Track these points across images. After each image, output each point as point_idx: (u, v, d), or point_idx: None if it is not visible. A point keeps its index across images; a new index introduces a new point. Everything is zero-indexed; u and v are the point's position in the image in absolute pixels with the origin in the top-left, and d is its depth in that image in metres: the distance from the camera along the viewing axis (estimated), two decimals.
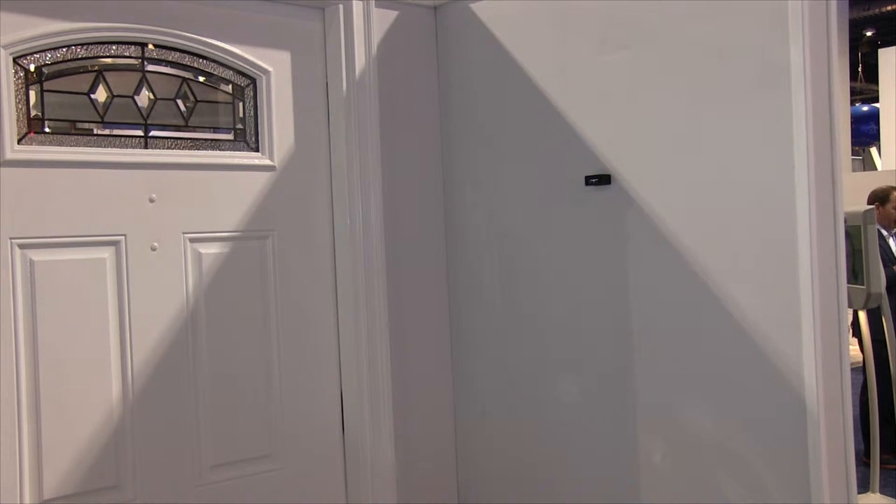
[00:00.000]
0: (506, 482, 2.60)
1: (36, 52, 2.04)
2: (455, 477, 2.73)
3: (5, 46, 1.98)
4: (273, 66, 2.42)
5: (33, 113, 2.04)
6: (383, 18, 2.54)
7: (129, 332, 2.16)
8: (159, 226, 2.22)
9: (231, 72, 2.37)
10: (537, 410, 2.49)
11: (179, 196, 2.25)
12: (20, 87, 2.02)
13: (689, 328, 2.10)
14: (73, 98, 2.10)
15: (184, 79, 2.29)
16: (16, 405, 2.00)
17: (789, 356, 1.91)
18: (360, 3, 2.44)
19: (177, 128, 2.27)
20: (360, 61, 2.43)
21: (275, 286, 2.42)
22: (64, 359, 2.07)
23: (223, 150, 2.36)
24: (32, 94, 2.04)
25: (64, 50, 2.07)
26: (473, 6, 2.56)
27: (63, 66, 2.08)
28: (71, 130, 2.11)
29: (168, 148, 2.25)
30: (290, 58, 2.45)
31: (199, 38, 2.28)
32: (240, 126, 2.40)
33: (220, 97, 2.37)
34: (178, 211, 2.25)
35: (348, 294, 2.48)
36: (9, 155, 1.99)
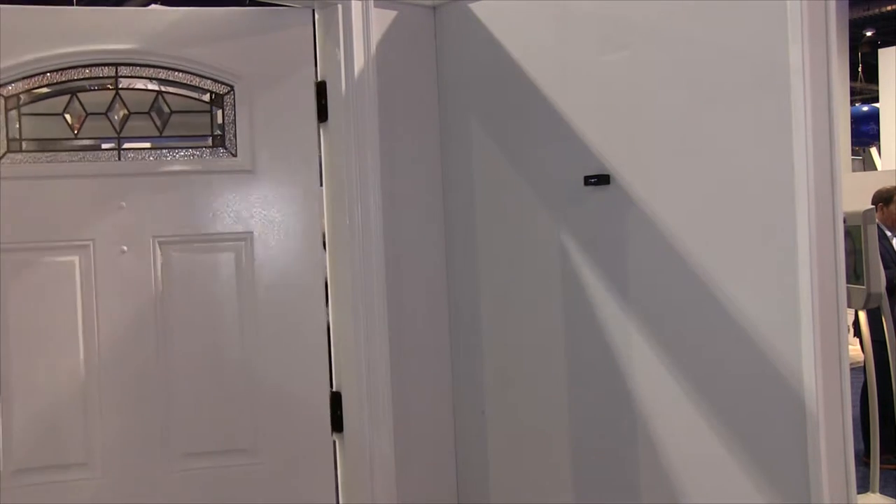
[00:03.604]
0: (506, 482, 2.60)
1: (13, 82, 2.20)
2: (455, 477, 2.73)
3: None
4: (251, 71, 2.43)
5: (12, 135, 2.21)
6: (382, 18, 2.53)
7: (96, 325, 2.32)
8: (129, 230, 2.35)
9: (209, 81, 2.41)
10: (537, 410, 2.49)
11: (150, 203, 2.37)
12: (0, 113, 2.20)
13: (689, 328, 2.10)
14: (50, 117, 2.27)
15: (158, 92, 2.37)
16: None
17: (789, 356, 1.91)
18: (360, 3, 2.43)
19: (150, 138, 2.38)
20: (358, 61, 2.43)
21: (252, 287, 2.45)
22: (36, 349, 2.27)
23: (201, 156, 2.43)
24: (11, 116, 2.21)
25: (38, 77, 2.23)
26: (472, 6, 2.55)
27: (39, 91, 2.25)
28: (46, 147, 2.27)
29: (141, 159, 2.37)
30: (271, 61, 2.45)
31: (173, 53, 2.36)
32: (218, 132, 2.44)
33: (198, 106, 2.42)
34: (146, 216, 2.37)
35: (347, 294, 2.48)
36: None
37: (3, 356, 2.25)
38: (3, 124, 2.21)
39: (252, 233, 2.46)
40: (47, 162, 2.28)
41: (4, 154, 2.23)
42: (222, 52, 2.41)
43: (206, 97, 2.43)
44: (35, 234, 2.27)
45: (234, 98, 2.44)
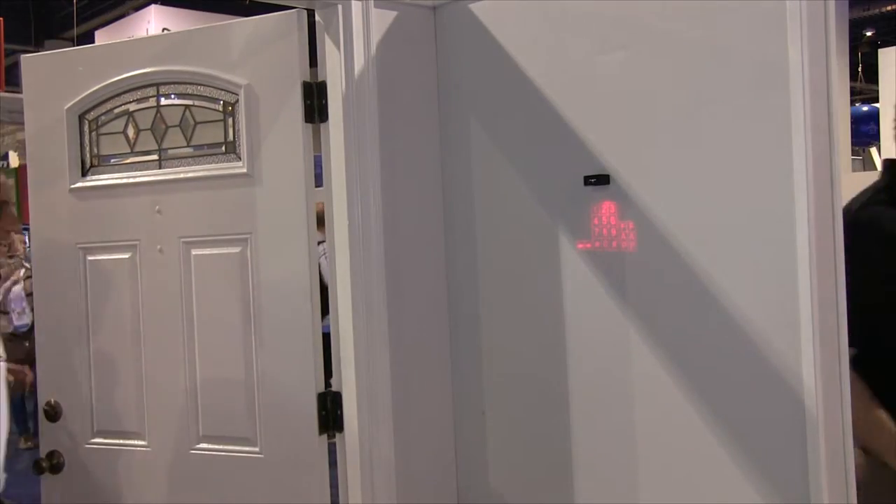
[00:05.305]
0: (506, 482, 2.61)
1: (93, 108, 2.73)
2: (455, 477, 2.73)
3: (72, 108, 2.72)
4: (252, 79, 2.54)
5: (94, 152, 2.77)
6: (382, 18, 2.53)
7: (141, 318, 2.71)
8: (163, 231, 2.66)
9: (222, 92, 2.61)
10: (537, 411, 2.49)
11: (177, 206, 2.64)
12: (84, 135, 2.75)
13: (688, 328, 2.10)
14: (115, 136, 2.77)
15: (186, 106, 2.68)
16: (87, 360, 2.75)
17: (788, 356, 1.91)
18: (360, 3, 2.44)
19: (181, 148, 2.71)
20: (358, 61, 2.44)
21: (250, 285, 2.58)
22: (111, 335, 2.76)
23: (217, 162, 2.65)
24: (93, 137, 2.77)
25: (108, 102, 2.73)
26: (472, 6, 2.56)
27: (109, 115, 2.76)
28: (114, 161, 2.78)
29: (175, 166, 2.72)
30: (267, 67, 2.54)
31: (194, 70, 2.61)
32: (230, 139, 2.65)
33: (215, 116, 2.67)
34: (175, 218, 2.63)
35: (347, 294, 2.48)
36: (77, 184, 2.75)
37: (92, 337, 2.73)
38: (88, 144, 2.75)
39: (251, 233, 2.58)
40: (115, 173, 2.73)
41: (90, 168, 2.76)
42: (229, 63, 2.60)
43: (220, 107, 2.65)
44: (105, 234, 2.74)
45: (240, 106, 2.58)
